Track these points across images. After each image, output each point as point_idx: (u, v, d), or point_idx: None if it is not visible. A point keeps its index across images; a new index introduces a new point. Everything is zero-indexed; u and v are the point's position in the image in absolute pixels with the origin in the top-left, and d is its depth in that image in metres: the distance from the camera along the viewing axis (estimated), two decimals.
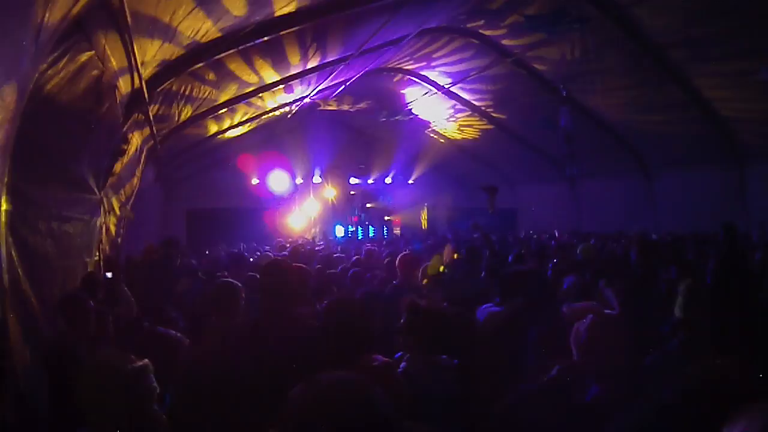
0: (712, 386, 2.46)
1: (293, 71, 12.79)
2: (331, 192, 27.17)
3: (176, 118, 11.39)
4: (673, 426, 2.42)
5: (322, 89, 16.34)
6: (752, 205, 14.72)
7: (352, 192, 28.08)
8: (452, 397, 3.84)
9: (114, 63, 6.46)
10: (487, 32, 15.16)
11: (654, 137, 16.64)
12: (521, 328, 4.81)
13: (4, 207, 4.49)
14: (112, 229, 9.10)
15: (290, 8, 8.83)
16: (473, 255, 8.22)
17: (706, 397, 2.40)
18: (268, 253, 12.58)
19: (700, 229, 12.84)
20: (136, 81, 7.49)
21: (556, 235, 17.78)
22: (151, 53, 7.44)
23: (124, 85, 7.38)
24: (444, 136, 25.15)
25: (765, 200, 14.07)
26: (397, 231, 28.44)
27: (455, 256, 8.16)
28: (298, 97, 16.57)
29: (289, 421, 1.91)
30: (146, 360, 3.33)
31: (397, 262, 7.64)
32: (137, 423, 3.11)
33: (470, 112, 20.94)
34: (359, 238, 26.19)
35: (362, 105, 21.47)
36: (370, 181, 28.41)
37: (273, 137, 22.72)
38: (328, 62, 13.30)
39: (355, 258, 10.85)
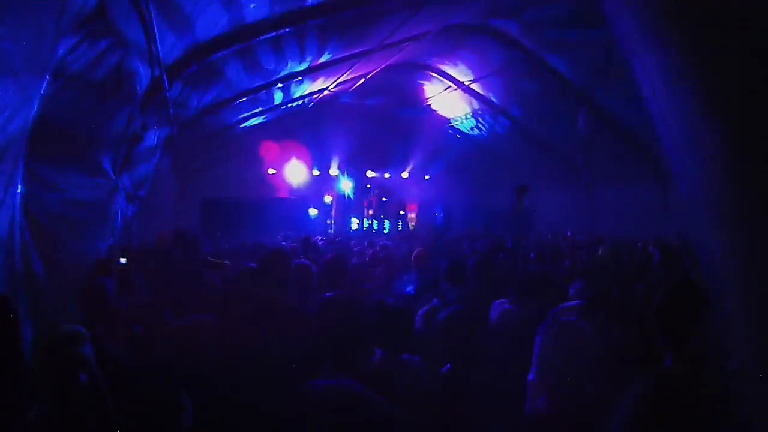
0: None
1: (315, 62, 12.78)
2: (347, 185, 27.11)
3: (195, 107, 11.39)
4: None
5: (342, 82, 16.32)
6: None
7: (368, 185, 28.03)
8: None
9: (134, 49, 6.46)
10: (510, 31, 15.08)
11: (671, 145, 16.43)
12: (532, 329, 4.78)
13: (19, 189, 4.51)
14: (127, 216, 9.12)
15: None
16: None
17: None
18: (282, 243, 12.55)
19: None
20: (156, 69, 7.49)
21: (569, 235, 17.69)
22: (172, 41, 7.45)
23: (143, 72, 7.38)
24: (462, 133, 25.07)
25: None
26: (411, 225, 28.38)
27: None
28: (317, 89, 16.57)
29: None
30: (79, 327, 3.28)
31: (413, 257, 7.70)
32: (66, 391, 3.06)
33: (490, 111, 20.85)
34: (374, 231, 26.19)
35: (381, 99, 21.44)
36: (386, 175, 28.34)
37: (291, 128, 22.69)
38: (349, 55, 13.28)
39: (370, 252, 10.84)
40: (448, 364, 4.29)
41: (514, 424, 3.33)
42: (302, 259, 7.13)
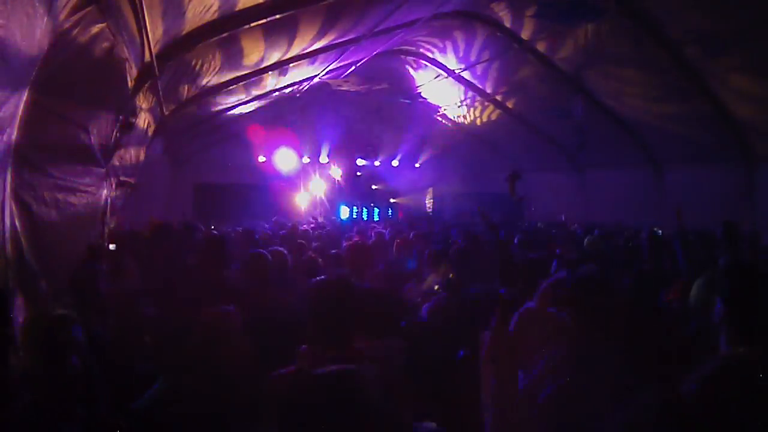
0: (735, 374, 2.49)
1: (305, 50, 12.76)
2: (337, 172, 27.10)
3: (185, 93, 11.37)
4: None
5: (333, 69, 16.29)
6: (761, 206, 14.64)
7: (358, 173, 28.04)
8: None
9: (126, 36, 6.44)
10: (502, 19, 15.10)
11: (665, 132, 16.55)
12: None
13: (9, 176, 4.50)
14: (118, 202, 9.11)
15: None
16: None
17: (728, 386, 2.43)
18: (267, 231, 12.55)
19: (706, 227, 12.81)
20: (147, 54, 7.46)
21: (563, 219, 17.77)
22: (162, 27, 7.42)
23: (134, 58, 7.36)
24: (452, 121, 25.08)
25: None
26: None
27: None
28: (308, 76, 16.54)
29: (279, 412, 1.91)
30: (71, 314, 3.30)
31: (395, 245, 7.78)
32: (58, 375, 3.07)
33: (480, 98, 20.87)
34: (364, 219, 26.22)
35: (372, 86, 21.41)
36: (377, 163, 28.36)
37: (281, 115, 22.71)
38: (340, 42, 13.25)
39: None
40: (462, 351, 4.34)
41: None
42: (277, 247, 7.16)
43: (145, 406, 3.79)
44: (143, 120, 9.51)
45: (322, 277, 3.81)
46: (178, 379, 3.94)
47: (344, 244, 9.44)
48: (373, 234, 11.86)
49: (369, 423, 1.96)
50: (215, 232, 11.86)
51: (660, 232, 11.57)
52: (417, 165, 28.88)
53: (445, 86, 20.95)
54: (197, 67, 10.20)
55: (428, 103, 23.49)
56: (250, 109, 17.86)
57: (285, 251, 6.74)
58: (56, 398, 3.07)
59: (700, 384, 2.48)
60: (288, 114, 22.96)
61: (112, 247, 7.58)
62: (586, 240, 10.49)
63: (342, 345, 3.32)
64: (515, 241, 10.39)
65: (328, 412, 1.95)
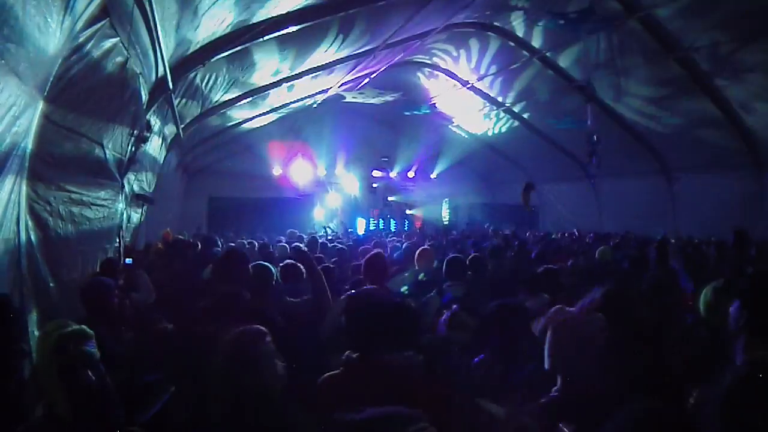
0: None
1: (319, 62, 12.79)
2: (353, 184, 27.08)
3: (200, 106, 11.42)
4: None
5: (347, 81, 16.32)
6: None
7: (374, 185, 28.00)
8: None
9: (139, 50, 6.47)
10: (514, 29, 15.10)
11: (676, 140, 16.47)
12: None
13: (24, 190, 4.52)
14: (133, 216, 9.15)
15: None
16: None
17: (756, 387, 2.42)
18: (283, 244, 12.51)
19: (718, 235, 12.69)
20: (161, 68, 7.49)
21: (576, 234, 17.68)
22: (176, 41, 7.45)
23: (148, 72, 7.40)
24: (467, 132, 25.04)
25: None
26: (418, 226, 28.34)
27: None
28: (322, 89, 16.58)
29: None
30: (83, 326, 3.29)
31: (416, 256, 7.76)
32: (72, 389, 3.06)
33: (494, 108, 20.84)
34: (380, 230, 26.13)
35: (386, 98, 21.42)
36: (392, 175, 28.29)
37: (296, 128, 22.74)
38: (354, 54, 13.28)
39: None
40: (482, 355, 4.32)
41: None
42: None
43: (156, 420, 3.78)
44: (158, 134, 9.55)
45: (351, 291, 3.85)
46: (193, 393, 3.93)
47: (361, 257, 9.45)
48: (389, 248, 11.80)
49: None
50: (232, 244, 11.85)
51: (672, 240, 11.49)
52: (433, 176, 28.80)
53: (460, 97, 20.93)
54: (211, 80, 10.24)
55: (443, 113, 23.47)
56: (265, 123, 17.91)
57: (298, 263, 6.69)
58: (70, 412, 3.06)
59: (728, 388, 2.47)
60: (303, 127, 22.99)
61: (128, 261, 7.59)
62: (597, 251, 10.41)
63: (370, 355, 3.39)
64: (532, 255, 10.35)
65: None
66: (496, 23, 15.13)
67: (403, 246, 10.83)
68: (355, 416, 1.67)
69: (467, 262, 7.19)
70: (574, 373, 3.30)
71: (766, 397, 2.41)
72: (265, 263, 5.77)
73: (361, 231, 25.18)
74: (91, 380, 3.14)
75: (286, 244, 11.76)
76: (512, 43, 15.67)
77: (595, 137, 14.72)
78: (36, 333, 4.38)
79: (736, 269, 7.44)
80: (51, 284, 5.12)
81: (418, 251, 8.11)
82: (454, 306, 5.26)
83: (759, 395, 2.42)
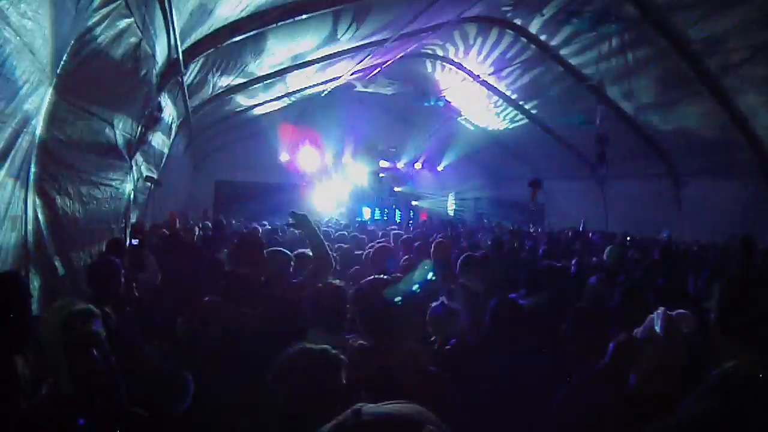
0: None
1: (331, 50, 12.77)
2: (360, 173, 27.04)
3: (210, 90, 11.40)
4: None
5: (358, 70, 16.30)
6: None
7: (381, 175, 27.95)
8: None
9: (153, 31, 6.46)
10: (528, 26, 15.06)
11: (686, 144, 16.43)
12: (547, 322, 4.79)
13: (33, 168, 4.51)
14: (140, 197, 9.15)
15: None
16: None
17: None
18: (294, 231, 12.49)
19: (724, 240, 12.66)
20: (173, 51, 7.49)
21: (581, 229, 17.64)
22: (190, 23, 7.44)
23: (161, 54, 7.38)
24: (475, 125, 24.99)
25: None
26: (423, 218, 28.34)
27: None
28: (333, 77, 16.56)
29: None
30: (90, 305, 3.30)
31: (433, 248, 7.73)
32: (77, 368, 3.07)
33: (504, 104, 20.80)
34: (386, 221, 26.10)
35: (397, 88, 21.37)
36: (399, 165, 28.25)
37: (305, 114, 22.72)
38: (366, 44, 13.25)
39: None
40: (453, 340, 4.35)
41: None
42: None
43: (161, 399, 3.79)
44: (168, 116, 9.55)
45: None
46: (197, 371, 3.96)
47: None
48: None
49: None
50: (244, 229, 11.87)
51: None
52: (439, 168, 28.75)
53: (470, 90, 20.90)
54: (223, 64, 10.23)
55: (452, 106, 23.42)
56: (274, 108, 17.90)
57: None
58: (75, 391, 3.07)
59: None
60: (312, 114, 22.95)
61: (134, 241, 7.60)
62: (606, 250, 10.38)
63: (382, 341, 3.40)
64: (539, 251, 10.35)
65: None
66: (509, 19, 15.08)
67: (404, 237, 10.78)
68: (375, 410, 1.66)
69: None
70: None
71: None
72: (284, 250, 5.77)
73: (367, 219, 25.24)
74: (96, 360, 3.15)
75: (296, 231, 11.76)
76: (525, 39, 15.62)
77: (604, 138, 14.73)
78: (41, 310, 4.38)
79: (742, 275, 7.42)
80: (57, 263, 5.13)
81: (434, 244, 8.07)
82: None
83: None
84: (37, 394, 3.17)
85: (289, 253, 5.64)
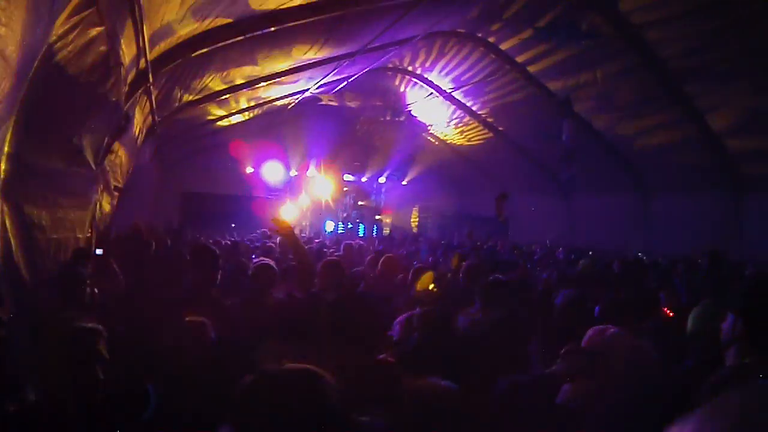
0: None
1: (298, 63, 12.81)
2: (324, 187, 27.09)
3: (178, 100, 11.39)
4: None
5: (325, 83, 16.35)
6: (747, 234, 14.73)
7: (345, 188, 28.05)
8: None
9: (123, 40, 6.46)
10: (495, 40, 15.23)
11: (654, 158, 16.65)
12: (516, 337, 4.85)
13: (2, 175, 4.49)
14: (106, 206, 9.09)
15: (300, 0, 8.88)
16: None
17: None
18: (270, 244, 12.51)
19: (692, 254, 12.86)
20: (142, 61, 7.49)
21: (548, 245, 17.82)
22: (159, 34, 7.46)
23: (129, 64, 7.38)
24: (441, 140, 25.16)
25: (761, 230, 14.08)
26: (386, 231, 28.46)
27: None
28: (299, 90, 16.59)
29: (238, 412, 1.93)
30: (99, 325, 3.36)
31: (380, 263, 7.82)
32: (80, 384, 3.12)
33: (470, 118, 20.96)
34: (350, 233, 26.20)
35: (362, 102, 21.47)
36: (364, 179, 28.44)
37: (271, 127, 22.70)
38: (333, 57, 13.31)
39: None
40: None
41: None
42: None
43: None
44: (135, 125, 9.52)
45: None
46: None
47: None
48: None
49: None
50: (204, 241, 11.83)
51: (644, 258, 11.66)
52: (404, 182, 28.94)
53: (436, 105, 21.05)
54: (190, 75, 10.24)
55: (418, 121, 23.58)
56: (240, 120, 17.88)
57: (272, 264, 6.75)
58: (74, 403, 3.13)
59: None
60: (277, 126, 22.95)
61: (98, 251, 7.56)
62: (581, 262, 10.55)
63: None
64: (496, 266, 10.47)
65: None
66: (477, 34, 15.24)
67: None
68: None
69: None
70: None
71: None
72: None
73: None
74: (100, 377, 3.23)
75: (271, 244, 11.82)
76: (492, 54, 15.79)
77: (567, 153, 14.92)
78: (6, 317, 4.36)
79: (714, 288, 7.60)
80: (24, 270, 5.09)
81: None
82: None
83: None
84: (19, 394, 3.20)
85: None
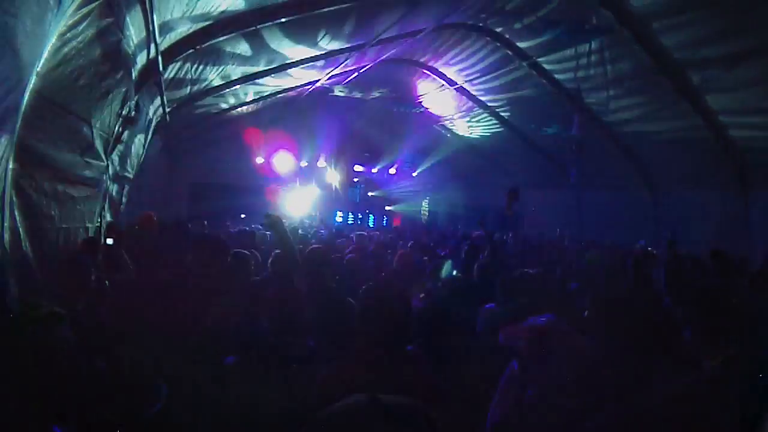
0: None
1: (309, 54, 12.79)
2: (334, 177, 27.07)
3: (188, 91, 11.38)
4: None
5: (336, 74, 16.31)
6: (755, 231, 14.64)
7: (355, 179, 28.01)
8: None
9: (133, 31, 6.46)
10: (507, 33, 15.14)
11: (663, 154, 16.57)
12: None
13: (11, 165, 4.50)
14: (115, 196, 9.11)
15: None
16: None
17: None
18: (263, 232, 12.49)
19: (699, 250, 12.80)
20: (152, 51, 7.48)
21: (557, 236, 17.79)
22: (170, 24, 7.45)
23: (140, 54, 7.38)
24: (452, 132, 25.08)
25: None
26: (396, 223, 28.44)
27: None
28: (311, 80, 16.57)
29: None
30: (60, 311, 3.29)
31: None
32: (46, 373, 3.06)
33: (481, 111, 20.89)
34: (359, 225, 26.23)
35: (374, 94, 21.40)
36: (374, 170, 28.31)
37: (281, 117, 22.62)
38: (344, 48, 13.28)
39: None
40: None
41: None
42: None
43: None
44: (145, 116, 9.52)
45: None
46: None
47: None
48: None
49: None
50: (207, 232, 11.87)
51: (655, 251, 11.60)
52: (414, 174, 28.85)
53: (447, 97, 20.96)
54: (201, 66, 10.23)
55: (429, 112, 23.49)
56: (250, 110, 17.87)
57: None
58: (47, 398, 3.04)
59: None
60: (287, 117, 22.86)
61: (109, 241, 7.56)
62: (587, 255, 10.54)
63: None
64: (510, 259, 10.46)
65: None
66: (489, 26, 15.16)
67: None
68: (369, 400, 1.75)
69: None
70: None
71: None
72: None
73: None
74: (63, 364, 3.14)
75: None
76: (503, 47, 15.71)
77: (574, 147, 14.85)
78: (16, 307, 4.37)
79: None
80: (33, 260, 5.11)
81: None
82: None
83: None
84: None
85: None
